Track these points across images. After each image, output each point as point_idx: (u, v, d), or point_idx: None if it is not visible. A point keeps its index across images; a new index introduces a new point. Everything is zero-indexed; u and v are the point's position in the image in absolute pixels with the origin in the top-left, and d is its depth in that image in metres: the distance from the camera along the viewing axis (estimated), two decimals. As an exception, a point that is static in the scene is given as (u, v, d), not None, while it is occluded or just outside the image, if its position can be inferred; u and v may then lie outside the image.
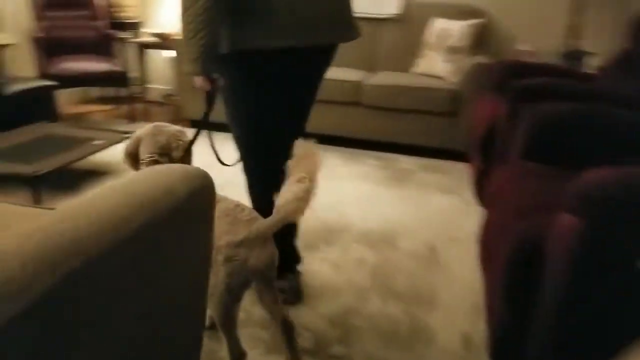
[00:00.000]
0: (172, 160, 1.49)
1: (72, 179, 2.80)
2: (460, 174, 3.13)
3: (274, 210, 1.25)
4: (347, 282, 1.94)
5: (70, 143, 2.70)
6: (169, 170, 0.96)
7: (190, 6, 1.27)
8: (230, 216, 1.31)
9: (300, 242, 2.17)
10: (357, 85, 3.43)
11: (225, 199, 1.39)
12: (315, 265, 2.04)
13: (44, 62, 3.63)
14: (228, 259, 1.28)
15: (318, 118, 3.65)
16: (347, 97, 3.45)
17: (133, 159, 1.58)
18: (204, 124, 1.51)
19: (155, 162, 1.50)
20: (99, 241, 0.60)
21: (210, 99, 1.49)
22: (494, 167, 2.10)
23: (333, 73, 3.52)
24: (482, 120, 2.49)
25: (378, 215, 2.52)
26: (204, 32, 1.28)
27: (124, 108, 4.19)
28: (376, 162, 3.32)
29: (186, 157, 1.53)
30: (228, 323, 1.39)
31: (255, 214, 1.36)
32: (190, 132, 1.55)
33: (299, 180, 1.21)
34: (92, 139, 2.77)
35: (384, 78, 3.51)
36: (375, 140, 3.53)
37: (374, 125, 3.48)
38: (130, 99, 4.16)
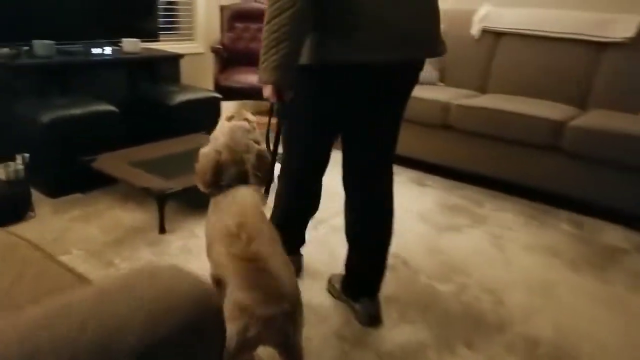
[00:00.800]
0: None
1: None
2: (701, 269, 2.16)
3: None
4: (486, 419, 1.33)
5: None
6: (134, 293, 0.59)
7: (277, 16, 1.25)
8: (252, 271, 1.09)
9: (429, 333, 1.62)
10: (557, 125, 2.65)
11: (267, 243, 1.16)
12: (445, 378, 1.46)
13: (219, 73, 3.67)
14: (230, 318, 1.05)
15: (498, 161, 3.02)
16: (541, 139, 2.70)
17: (208, 182, 1.39)
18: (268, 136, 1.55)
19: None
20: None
21: (275, 111, 1.47)
22: None
23: (527, 107, 2.89)
24: None
25: (556, 316, 1.79)
26: (287, 43, 1.26)
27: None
28: (571, 228, 2.52)
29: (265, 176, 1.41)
30: None
31: (277, 284, 1.09)
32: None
33: None
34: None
35: (598, 119, 2.66)
36: (573, 196, 2.70)
37: (574, 178, 2.66)
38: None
